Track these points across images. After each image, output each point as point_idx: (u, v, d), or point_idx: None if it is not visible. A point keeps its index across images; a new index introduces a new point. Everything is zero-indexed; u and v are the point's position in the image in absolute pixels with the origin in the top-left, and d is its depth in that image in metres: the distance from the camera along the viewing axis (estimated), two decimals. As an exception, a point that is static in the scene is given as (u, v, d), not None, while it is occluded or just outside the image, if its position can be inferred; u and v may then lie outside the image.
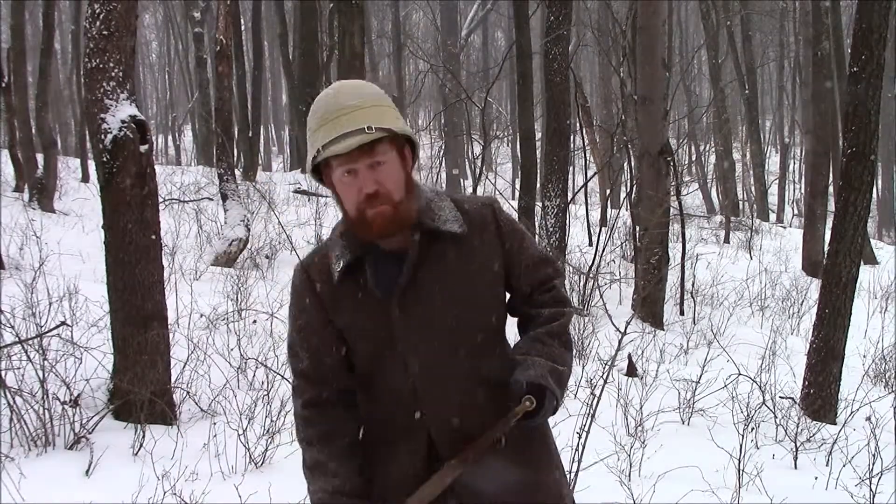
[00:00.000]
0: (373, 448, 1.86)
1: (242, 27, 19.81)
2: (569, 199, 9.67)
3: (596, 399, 3.89)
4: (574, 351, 1.91)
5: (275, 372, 4.70)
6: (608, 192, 14.85)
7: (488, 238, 1.82)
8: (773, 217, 23.15)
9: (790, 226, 20.63)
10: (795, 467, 4.70)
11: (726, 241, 14.79)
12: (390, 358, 1.78)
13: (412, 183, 1.78)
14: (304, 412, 1.85)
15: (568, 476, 3.71)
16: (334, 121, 1.69)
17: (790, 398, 5.60)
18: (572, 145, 13.78)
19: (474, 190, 11.48)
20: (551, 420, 4.84)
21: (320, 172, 1.80)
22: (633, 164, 10.40)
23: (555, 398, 1.79)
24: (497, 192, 15.62)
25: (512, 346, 1.91)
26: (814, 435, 4.95)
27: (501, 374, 1.82)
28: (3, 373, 4.01)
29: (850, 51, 5.80)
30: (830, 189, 12.41)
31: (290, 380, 1.93)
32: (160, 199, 4.90)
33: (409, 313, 1.76)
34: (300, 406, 1.86)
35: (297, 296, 1.86)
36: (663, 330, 7.94)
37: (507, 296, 1.93)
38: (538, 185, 11.15)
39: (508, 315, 1.96)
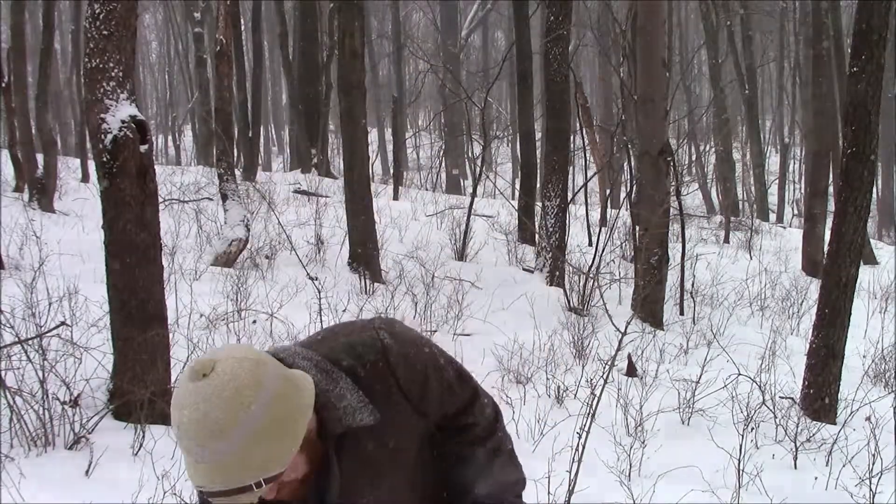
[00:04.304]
0: None
1: (242, 27, 19.80)
2: (569, 199, 9.67)
3: (596, 399, 3.89)
4: (517, 462, 1.83)
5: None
6: (608, 192, 14.85)
7: (395, 399, 1.57)
8: (773, 217, 23.13)
9: (790, 226, 20.61)
10: (795, 467, 4.70)
11: (726, 241, 14.78)
12: None
13: (316, 447, 1.50)
14: None
15: (568, 475, 3.73)
16: (206, 471, 1.33)
17: (790, 398, 5.61)
18: (572, 145, 13.79)
19: (474, 190, 11.47)
20: (552, 420, 4.81)
21: None
22: (633, 164, 10.40)
23: None
24: (497, 192, 15.64)
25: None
26: (814, 435, 4.96)
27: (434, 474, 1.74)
28: (3, 373, 4.01)
29: (850, 51, 5.80)
30: (830, 189, 12.41)
31: None
32: (160, 199, 4.90)
33: None
34: None
35: None
36: (663, 330, 7.94)
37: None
38: (538, 185, 11.16)
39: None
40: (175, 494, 3.50)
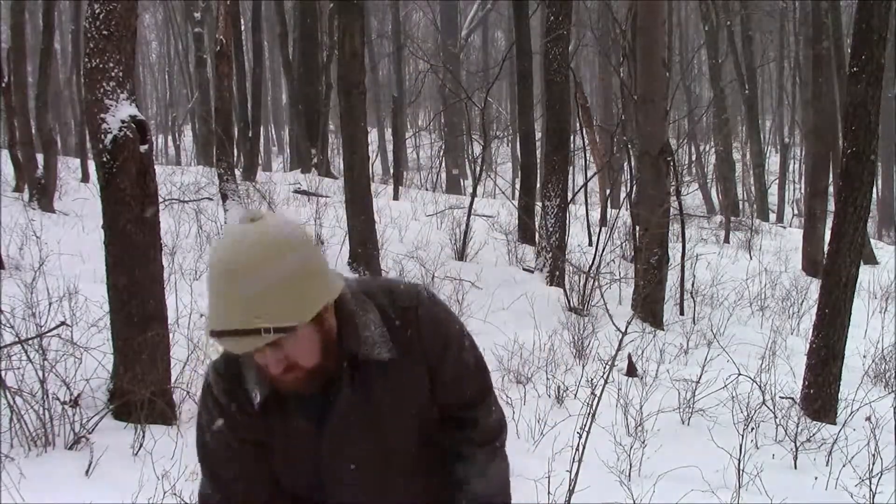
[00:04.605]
0: None
1: (242, 27, 19.79)
2: (569, 199, 9.67)
3: (596, 399, 3.89)
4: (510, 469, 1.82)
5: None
6: (608, 192, 14.85)
7: (417, 352, 1.62)
8: (773, 217, 23.14)
9: (790, 226, 20.62)
10: (795, 467, 4.70)
11: (726, 241, 14.79)
12: (319, 485, 1.68)
13: (331, 339, 1.55)
14: None
15: (568, 475, 3.73)
16: (223, 307, 1.42)
17: (790, 398, 5.60)
18: (572, 145, 13.80)
19: (474, 190, 11.47)
20: (552, 420, 4.81)
21: None
22: (633, 164, 10.40)
23: None
24: (497, 192, 15.63)
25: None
26: (814, 435, 4.96)
27: (436, 474, 1.75)
28: (3, 373, 4.00)
29: (850, 51, 5.80)
30: (830, 189, 12.41)
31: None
32: (160, 199, 4.90)
33: (339, 447, 1.63)
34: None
35: (213, 418, 1.65)
36: (663, 330, 7.94)
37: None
38: (538, 185, 11.16)
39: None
40: (175, 494, 3.50)
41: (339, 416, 1.60)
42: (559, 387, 5.54)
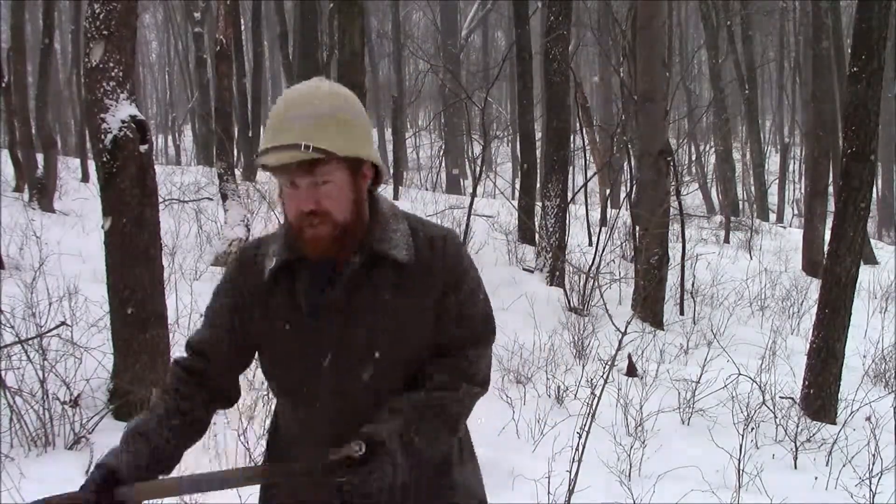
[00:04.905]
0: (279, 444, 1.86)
1: (242, 27, 19.79)
2: (569, 199, 9.67)
3: (596, 399, 3.89)
4: (455, 432, 1.75)
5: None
6: (608, 192, 14.84)
7: (433, 273, 1.69)
8: (773, 217, 23.13)
9: (790, 226, 20.62)
10: (795, 467, 4.70)
11: (726, 241, 14.79)
12: (302, 367, 1.70)
13: (361, 205, 1.67)
14: (181, 372, 1.79)
15: (568, 475, 3.73)
16: (275, 128, 1.58)
17: (790, 398, 5.60)
18: (572, 145, 13.79)
19: (474, 190, 11.47)
20: (552, 420, 4.79)
21: None
22: (633, 164, 10.40)
23: (391, 464, 1.57)
24: (497, 192, 15.62)
25: None
26: (814, 435, 4.96)
27: None
28: (3, 373, 4.00)
29: (850, 51, 5.80)
30: (830, 189, 12.40)
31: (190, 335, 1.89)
32: (160, 199, 4.90)
33: (333, 333, 1.67)
34: (180, 366, 1.81)
35: (227, 281, 1.79)
36: (663, 330, 7.93)
37: None
38: (538, 185, 11.16)
39: None
40: (175, 494, 3.49)
41: (341, 302, 1.66)
42: (559, 387, 5.54)
